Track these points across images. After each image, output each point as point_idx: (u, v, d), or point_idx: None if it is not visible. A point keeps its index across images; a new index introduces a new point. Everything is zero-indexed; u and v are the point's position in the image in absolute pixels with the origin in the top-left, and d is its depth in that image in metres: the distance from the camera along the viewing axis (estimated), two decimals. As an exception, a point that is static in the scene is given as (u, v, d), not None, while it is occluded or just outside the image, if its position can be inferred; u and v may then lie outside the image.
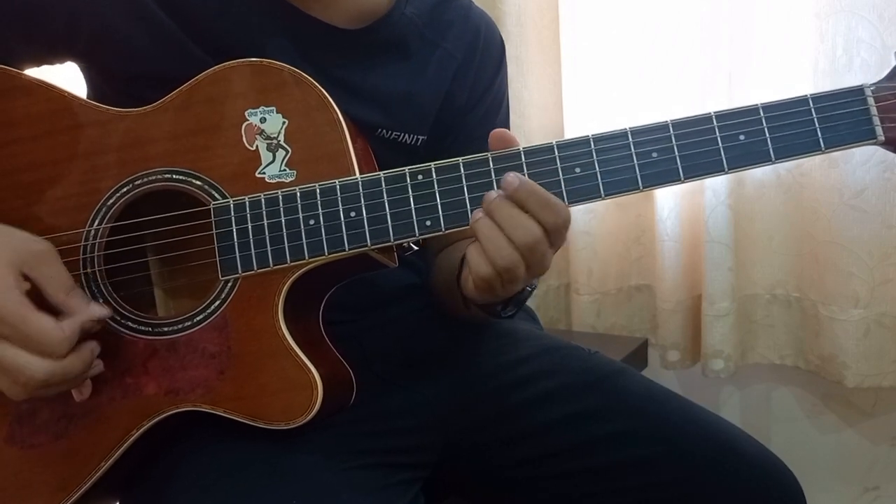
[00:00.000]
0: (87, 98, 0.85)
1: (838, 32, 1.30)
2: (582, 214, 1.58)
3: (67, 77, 0.87)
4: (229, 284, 0.75)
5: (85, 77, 0.88)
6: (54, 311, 0.71)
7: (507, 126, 1.07)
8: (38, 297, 0.70)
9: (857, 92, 0.71)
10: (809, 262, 1.42)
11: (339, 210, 0.74)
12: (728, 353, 1.48)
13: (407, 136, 0.91)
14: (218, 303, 0.75)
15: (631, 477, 0.86)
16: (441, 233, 0.73)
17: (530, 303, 1.59)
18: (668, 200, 1.48)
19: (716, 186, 1.42)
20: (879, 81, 0.72)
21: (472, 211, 0.73)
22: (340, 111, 0.76)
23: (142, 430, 0.75)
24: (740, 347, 1.51)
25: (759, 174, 1.44)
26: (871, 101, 0.71)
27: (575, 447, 0.88)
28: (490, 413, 0.90)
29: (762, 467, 0.86)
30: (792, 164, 1.41)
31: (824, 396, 1.55)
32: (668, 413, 0.89)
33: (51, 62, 0.86)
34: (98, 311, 0.74)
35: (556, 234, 0.72)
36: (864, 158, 1.32)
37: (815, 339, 1.44)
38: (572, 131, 1.56)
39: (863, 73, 1.28)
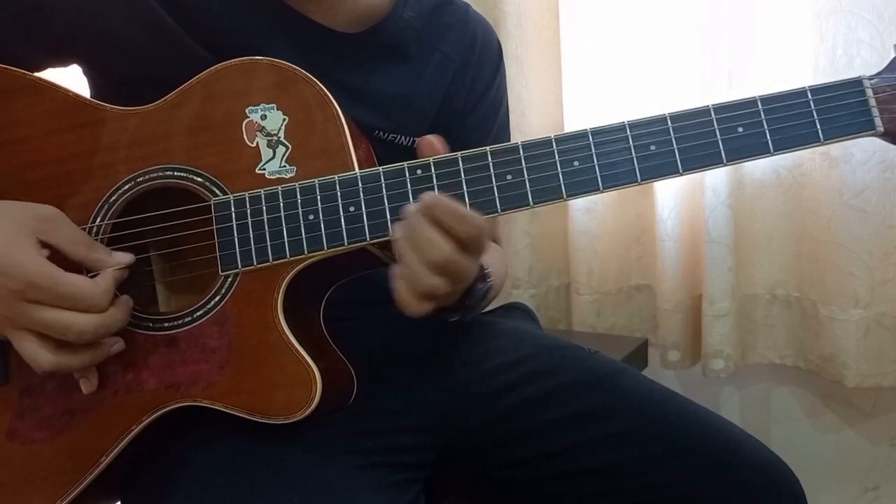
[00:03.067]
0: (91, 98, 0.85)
1: (838, 32, 1.31)
2: (582, 214, 1.58)
3: (71, 77, 0.87)
4: (229, 280, 0.76)
5: (88, 78, 0.89)
6: (77, 271, 0.72)
7: (507, 128, 1.07)
8: (58, 262, 0.71)
9: (856, 83, 0.72)
10: (809, 262, 1.43)
11: (338, 205, 0.74)
12: (728, 353, 1.48)
13: (404, 138, 0.92)
14: (218, 298, 0.76)
15: (631, 477, 0.86)
16: None
17: (530, 303, 1.60)
18: (668, 200, 1.48)
19: (716, 186, 1.42)
20: (878, 73, 0.72)
21: (471, 206, 0.73)
22: (340, 109, 0.76)
23: (142, 424, 0.75)
24: (740, 347, 1.51)
25: (758, 174, 1.45)
26: (869, 92, 0.71)
27: (575, 447, 0.87)
28: (490, 413, 0.90)
29: (763, 467, 0.86)
30: (792, 163, 1.41)
31: (824, 396, 1.56)
32: (668, 413, 0.89)
33: (56, 65, 0.86)
34: (123, 257, 0.75)
35: (473, 245, 0.71)
36: (864, 158, 1.32)
37: (815, 339, 1.44)
38: (573, 131, 1.57)
39: (863, 72, 1.27)
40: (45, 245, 0.71)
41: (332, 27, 0.87)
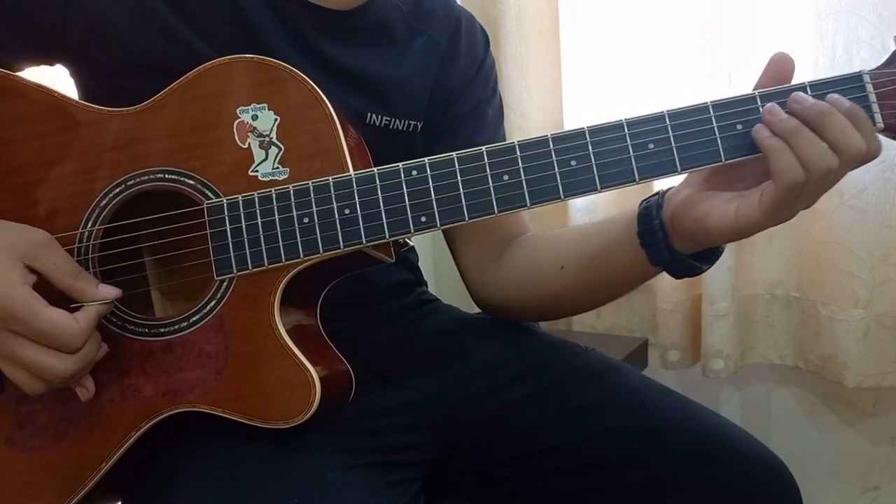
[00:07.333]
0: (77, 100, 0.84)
1: (838, 32, 1.30)
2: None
3: (60, 80, 0.87)
4: (224, 284, 0.75)
5: (74, 78, 0.87)
6: (63, 298, 0.71)
7: (500, 113, 1.05)
8: (44, 289, 0.70)
9: (856, 78, 0.70)
10: (809, 262, 1.42)
11: (333, 207, 0.73)
12: (728, 353, 1.48)
13: (398, 121, 0.91)
14: (214, 303, 0.75)
15: (626, 472, 0.86)
16: (436, 229, 0.73)
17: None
18: (669, 200, 1.47)
19: (716, 186, 1.41)
20: (878, 67, 0.71)
21: (467, 207, 0.72)
22: (333, 105, 0.75)
23: (141, 431, 0.75)
24: (740, 347, 1.51)
25: (758, 173, 1.44)
26: (869, 87, 0.70)
27: (570, 443, 0.88)
28: (487, 410, 0.90)
29: (757, 463, 0.86)
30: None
31: (824, 396, 1.55)
32: (662, 409, 0.89)
33: (45, 60, 0.86)
34: (109, 291, 0.74)
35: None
36: (864, 158, 1.31)
37: (815, 339, 1.43)
38: (572, 131, 1.56)
39: (863, 72, 1.28)
40: (32, 271, 0.70)
41: (321, 4, 0.86)
